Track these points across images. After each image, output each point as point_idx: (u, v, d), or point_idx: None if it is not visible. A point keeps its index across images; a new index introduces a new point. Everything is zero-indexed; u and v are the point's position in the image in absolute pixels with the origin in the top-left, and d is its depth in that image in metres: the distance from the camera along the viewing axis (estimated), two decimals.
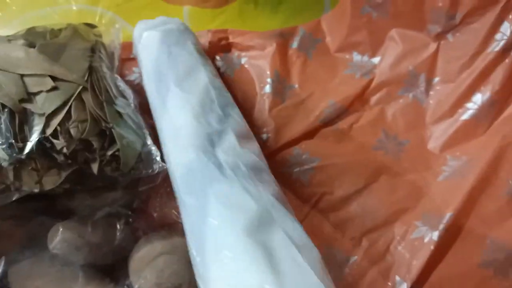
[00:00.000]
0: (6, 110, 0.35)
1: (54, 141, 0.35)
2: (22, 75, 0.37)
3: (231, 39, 0.49)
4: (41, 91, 0.37)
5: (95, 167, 0.37)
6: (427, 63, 0.44)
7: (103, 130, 0.37)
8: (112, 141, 0.38)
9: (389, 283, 0.38)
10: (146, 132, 0.40)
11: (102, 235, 0.35)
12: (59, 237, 0.34)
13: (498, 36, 0.41)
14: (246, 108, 0.46)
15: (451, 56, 0.43)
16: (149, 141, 0.40)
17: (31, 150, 0.35)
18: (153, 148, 0.39)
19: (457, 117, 0.43)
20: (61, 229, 0.35)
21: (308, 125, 0.44)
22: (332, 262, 0.38)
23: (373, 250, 0.39)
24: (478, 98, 0.42)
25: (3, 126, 0.35)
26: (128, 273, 0.35)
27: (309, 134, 0.44)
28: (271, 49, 0.48)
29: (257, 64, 0.48)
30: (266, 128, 0.44)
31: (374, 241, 0.39)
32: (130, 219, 0.37)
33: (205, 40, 0.49)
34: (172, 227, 0.38)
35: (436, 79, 0.44)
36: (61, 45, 0.40)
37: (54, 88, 0.37)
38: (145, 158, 0.40)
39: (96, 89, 0.39)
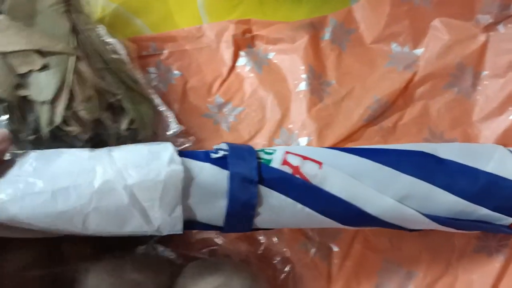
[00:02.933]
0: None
1: (68, 129, 0.34)
2: (3, 55, 0.34)
3: (255, 31, 0.47)
4: (30, 71, 0.34)
5: (112, 144, 0.35)
6: (474, 56, 0.43)
7: (110, 103, 0.36)
8: (122, 112, 0.37)
9: None
10: (152, 91, 0.39)
11: (143, 271, 0.31)
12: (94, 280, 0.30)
13: None
14: (281, 109, 0.45)
15: (501, 49, 0.43)
16: (158, 102, 0.39)
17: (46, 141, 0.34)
18: (164, 109, 0.39)
19: (507, 115, 0.42)
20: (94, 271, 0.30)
21: (352, 125, 0.43)
22: None
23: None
24: None
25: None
26: None
27: (354, 135, 0.43)
28: (302, 42, 0.46)
29: (288, 58, 0.46)
30: (307, 130, 0.42)
31: None
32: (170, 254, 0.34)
33: (228, 33, 0.47)
34: (215, 253, 0.34)
35: (484, 73, 0.43)
36: (28, 1, 0.36)
37: (44, 66, 0.34)
38: (158, 121, 0.40)
39: (89, 55, 0.36)
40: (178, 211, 0.30)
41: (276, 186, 0.32)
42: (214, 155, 0.32)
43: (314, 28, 0.46)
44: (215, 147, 0.33)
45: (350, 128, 0.42)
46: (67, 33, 0.36)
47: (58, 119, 0.34)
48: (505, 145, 0.41)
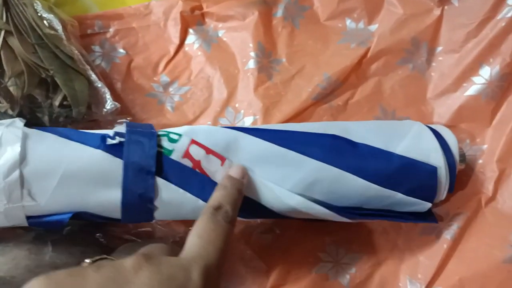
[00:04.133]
0: None
1: None
2: None
3: (205, 8, 0.46)
4: None
5: (46, 120, 0.37)
6: (429, 31, 0.43)
7: (44, 79, 0.36)
8: (56, 88, 0.37)
9: (400, 284, 0.36)
10: (88, 67, 0.39)
11: (67, 253, 0.30)
12: (11, 263, 0.29)
13: (510, 0, 0.39)
14: (227, 88, 0.44)
15: (456, 23, 0.42)
16: (94, 77, 0.39)
17: None
18: (100, 85, 0.39)
19: (462, 92, 0.41)
20: (12, 253, 0.30)
21: (300, 104, 0.42)
22: None
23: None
24: (486, 71, 0.40)
25: None
26: None
27: (302, 114, 0.43)
28: (252, 19, 0.45)
29: (237, 36, 0.46)
30: (253, 109, 0.41)
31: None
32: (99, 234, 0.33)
33: (176, 10, 0.46)
34: (150, 235, 0.33)
35: (439, 48, 0.43)
36: None
37: None
38: (94, 98, 0.39)
39: (22, 30, 0.36)
40: (15, 175, 0.29)
41: (176, 179, 0.31)
42: (110, 141, 0.30)
43: (266, 5, 0.45)
44: (113, 131, 0.31)
45: (298, 107, 0.42)
46: None
47: None
48: (459, 122, 0.40)
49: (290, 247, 0.38)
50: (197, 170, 0.31)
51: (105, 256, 0.31)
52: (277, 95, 0.43)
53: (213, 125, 0.42)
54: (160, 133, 0.32)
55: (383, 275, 0.37)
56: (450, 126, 0.40)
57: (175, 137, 0.32)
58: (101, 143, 0.30)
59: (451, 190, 0.34)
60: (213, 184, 0.31)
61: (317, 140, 0.33)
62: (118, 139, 0.30)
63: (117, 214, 0.31)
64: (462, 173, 0.36)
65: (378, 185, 0.32)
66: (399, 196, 0.32)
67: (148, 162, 0.30)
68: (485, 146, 0.39)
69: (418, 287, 0.36)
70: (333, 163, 0.32)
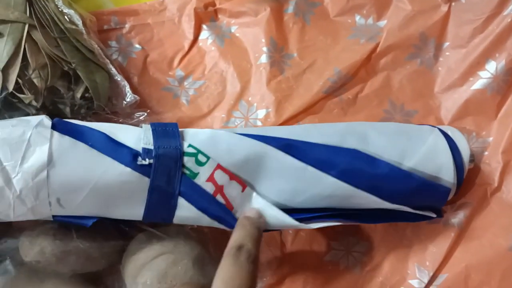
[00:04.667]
0: None
1: (21, 96, 0.35)
2: None
3: (218, 5, 0.48)
4: None
5: (67, 112, 0.38)
6: (437, 27, 0.44)
7: (66, 71, 0.37)
8: (78, 80, 0.38)
9: (408, 271, 0.38)
10: (107, 61, 0.40)
11: (90, 240, 0.32)
12: (37, 248, 0.31)
13: None
14: (241, 82, 0.45)
15: (463, 19, 0.43)
16: (114, 71, 0.40)
17: None
18: (120, 79, 0.40)
19: (468, 86, 0.42)
20: (38, 238, 0.31)
21: (311, 97, 0.44)
22: None
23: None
24: (492, 66, 0.41)
25: None
26: (121, 278, 0.32)
27: (313, 107, 0.44)
28: (264, 15, 0.47)
29: (250, 32, 0.47)
30: (266, 102, 0.42)
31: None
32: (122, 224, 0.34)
33: (190, 6, 0.47)
34: (164, 226, 0.35)
35: (446, 44, 0.44)
36: None
37: None
38: (114, 91, 0.40)
39: (44, 24, 0.37)
40: (43, 176, 0.30)
41: (196, 202, 0.32)
42: (140, 161, 0.31)
43: (278, 1, 0.47)
44: (143, 142, 0.31)
45: (309, 100, 0.43)
46: (22, 1, 0.37)
47: (10, 86, 0.35)
48: (466, 115, 0.41)
49: (301, 235, 0.40)
50: (218, 195, 0.32)
51: None
52: (289, 88, 0.44)
53: (227, 119, 0.44)
54: (187, 151, 0.32)
55: (392, 262, 0.39)
56: (457, 119, 0.42)
57: (202, 159, 0.32)
58: (131, 161, 0.31)
59: (457, 192, 0.36)
60: (231, 214, 0.32)
61: (337, 157, 0.33)
62: (148, 161, 0.31)
63: (136, 218, 0.33)
64: (470, 167, 0.38)
65: (391, 202, 0.33)
66: (408, 209, 0.34)
67: (172, 187, 0.31)
68: (491, 139, 0.40)
69: (426, 274, 0.37)
70: (349, 182, 0.33)
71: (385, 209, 0.34)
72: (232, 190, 0.32)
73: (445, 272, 0.38)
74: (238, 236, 0.29)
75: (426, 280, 0.37)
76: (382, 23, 0.45)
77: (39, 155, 0.30)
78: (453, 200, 0.39)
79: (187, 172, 0.32)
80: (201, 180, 0.32)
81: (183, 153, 0.32)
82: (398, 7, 0.44)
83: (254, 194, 0.33)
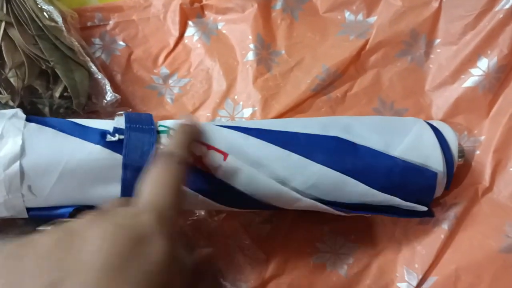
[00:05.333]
0: None
1: None
2: None
3: (204, 1, 0.48)
4: None
5: (46, 112, 0.37)
6: (428, 23, 0.43)
7: (44, 70, 0.37)
8: (56, 79, 0.37)
9: (397, 274, 0.37)
10: (88, 59, 0.40)
11: None
12: None
13: None
14: (227, 80, 0.44)
15: (454, 15, 0.42)
16: (94, 69, 0.39)
17: None
18: (100, 77, 0.39)
19: (459, 84, 0.41)
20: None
21: (299, 96, 0.43)
22: None
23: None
24: (484, 63, 0.40)
25: None
26: None
27: (301, 106, 0.43)
28: (251, 11, 0.46)
29: (236, 28, 0.46)
30: (252, 100, 0.42)
31: None
32: None
33: (176, 2, 0.47)
34: None
35: (437, 40, 0.43)
36: None
37: None
38: (95, 89, 0.40)
39: (22, 21, 0.37)
40: (15, 167, 0.29)
41: None
42: (110, 138, 0.30)
43: None
44: (114, 125, 0.31)
45: (297, 98, 0.42)
46: None
47: None
48: (457, 114, 0.41)
49: (288, 237, 0.39)
50: (198, 166, 0.31)
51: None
52: (276, 86, 0.43)
53: (212, 117, 0.43)
54: (160, 128, 0.32)
55: (380, 265, 0.38)
56: (448, 117, 0.41)
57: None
58: (100, 139, 0.30)
59: (448, 187, 0.35)
60: (215, 181, 0.31)
61: (320, 143, 0.33)
62: (117, 137, 0.30)
63: None
64: (459, 164, 0.37)
65: (378, 190, 0.33)
66: (397, 200, 0.33)
67: (147, 161, 0.30)
68: (483, 138, 0.40)
69: (415, 276, 0.37)
70: (334, 167, 0.32)
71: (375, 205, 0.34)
72: (213, 160, 0.31)
73: (434, 275, 0.37)
74: (170, 146, 0.29)
75: (415, 283, 0.36)
76: (372, 19, 0.44)
77: (11, 146, 0.29)
78: (444, 200, 0.38)
79: (161, 147, 0.31)
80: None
81: (157, 130, 0.32)
82: (389, 3, 0.43)
83: (240, 162, 0.32)
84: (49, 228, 0.23)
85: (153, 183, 0.25)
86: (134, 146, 0.30)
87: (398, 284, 0.37)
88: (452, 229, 0.37)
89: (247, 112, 0.42)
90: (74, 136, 0.31)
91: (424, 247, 0.37)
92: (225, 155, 0.32)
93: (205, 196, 0.32)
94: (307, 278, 0.38)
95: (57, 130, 0.31)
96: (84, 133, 0.31)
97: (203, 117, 0.43)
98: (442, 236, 0.37)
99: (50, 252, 0.20)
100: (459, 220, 0.37)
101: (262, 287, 0.37)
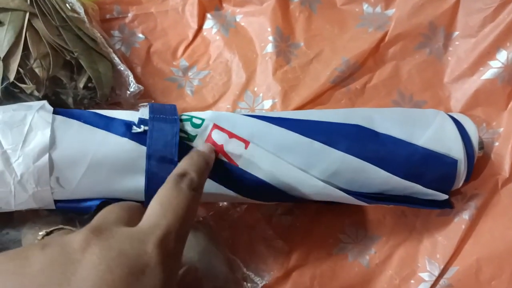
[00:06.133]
0: None
1: (23, 86, 0.35)
2: None
3: None
4: None
5: (70, 102, 0.37)
6: (446, 15, 0.43)
7: (68, 61, 0.37)
8: (80, 70, 0.37)
9: (418, 264, 0.38)
10: (110, 50, 0.40)
11: None
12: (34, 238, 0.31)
13: None
14: (246, 72, 0.44)
15: (472, 8, 0.42)
16: (117, 60, 0.39)
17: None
18: (123, 68, 0.39)
19: (478, 76, 0.41)
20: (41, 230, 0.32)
21: (318, 88, 0.43)
22: None
23: None
24: (503, 56, 0.40)
25: None
26: None
27: (321, 98, 0.43)
28: (269, 4, 0.46)
29: (255, 21, 0.46)
30: (272, 92, 0.42)
31: None
32: None
33: None
34: None
35: (456, 33, 0.43)
36: None
37: None
38: (117, 80, 0.40)
39: (46, 12, 0.37)
40: (44, 159, 0.29)
41: None
42: (135, 129, 0.31)
43: None
44: (139, 116, 0.31)
45: (316, 90, 0.42)
46: None
47: (11, 76, 0.34)
48: (476, 106, 0.41)
49: (310, 228, 0.39)
50: (220, 155, 0.32)
51: (61, 226, 0.31)
52: (296, 79, 0.43)
53: (232, 109, 0.43)
54: (183, 117, 0.33)
55: (402, 255, 0.38)
56: (467, 110, 0.41)
57: (197, 121, 0.32)
58: (126, 131, 0.31)
59: (468, 178, 0.35)
60: (237, 171, 0.32)
61: (341, 131, 0.33)
62: (142, 128, 0.31)
63: (142, 198, 0.32)
64: (479, 156, 0.37)
65: (399, 176, 0.33)
66: (418, 187, 0.33)
67: (170, 151, 0.30)
68: (501, 129, 0.40)
69: (437, 266, 0.37)
70: (356, 154, 0.32)
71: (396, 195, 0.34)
72: (234, 148, 0.31)
73: (455, 265, 0.37)
74: (183, 164, 0.28)
75: (436, 273, 0.37)
76: (391, 11, 0.44)
77: (40, 138, 0.29)
78: (464, 191, 0.38)
79: (184, 135, 0.31)
80: (200, 142, 0.32)
81: (180, 120, 0.32)
82: None
83: (262, 150, 0.32)
84: (43, 239, 0.22)
85: (163, 206, 0.24)
86: (157, 136, 0.30)
87: (420, 274, 0.37)
88: (473, 220, 0.37)
89: (267, 104, 0.43)
90: (100, 128, 0.31)
91: (445, 238, 0.38)
92: (246, 143, 0.32)
93: (226, 186, 0.32)
94: (329, 268, 0.38)
95: (83, 122, 0.31)
96: (110, 125, 0.31)
97: (223, 109, 0.43)
98: (463, 227, 0.37)
99: (43, 274, 0.19)
100: (479, 211, 0.38)
101: (285, 277, 0.38)
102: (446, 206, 0.35)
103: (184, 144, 0.31)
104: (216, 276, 0.35)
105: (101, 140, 0.30)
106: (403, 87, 0.43)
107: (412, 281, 0.37)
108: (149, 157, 0.30)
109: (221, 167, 0.32)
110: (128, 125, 0.31)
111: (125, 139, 0.30)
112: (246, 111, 0.43)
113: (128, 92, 0.39)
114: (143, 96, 0.41)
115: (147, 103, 0.40)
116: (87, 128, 0.31)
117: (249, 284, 0.36)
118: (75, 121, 0.31)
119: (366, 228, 0.39)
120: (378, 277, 0.38)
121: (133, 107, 0.40)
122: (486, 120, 0.40)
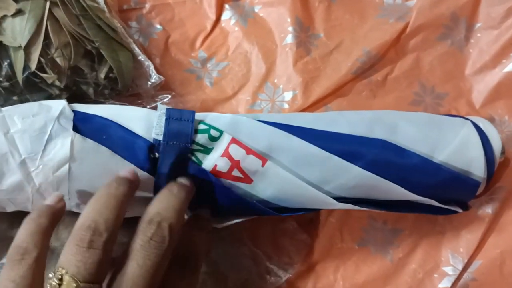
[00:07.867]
0: None
1: (44, 75, 0.34)
2: None
3: None
4: (4, 16, 0.34)
5: (91, 93, 0.37)
6: (468, 6, 0.43)
7: (89, 51, 0.36)
8: (101, 60, 0.37)
9: (442, 258, 0.37)
10: (131, 40, 0.39)
11: None
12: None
13: None
14: (266, 63, 0.44)
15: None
16: (137, 51, 0.39)
17: (20, 89, 0.34)
18: (143, 59, 0.39)
19: (500, 69, 0.41)
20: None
21: (339, 79, 0.42)
22: None
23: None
24: None
25: None
26: None
27: (342, 89, 0.43)
28: None
29: (274, 11, 0.46)
30: (292, 84, 0.41)
31: None
32: None
33: None
34: None
35: (478, 25, 0.43)
36: None
37: (19, 11, 0.34)
38: (138, 71, 0.39)
39: (66, 1, 0.36)
40: (64, 170, 0.28)
41: (207, 189, 0.31)
42: (153, 156, 0.30)
43: None
44: (154, 136, 0.30)
45: (338, 82, 0.42)
46: None
47: (33, 65, 0.34)
48: (498, 98, 0.40)
49: (332, 222, 0.39)
50: (235, 170, 0.31)
51: None
52: (316, 70, 0.43)
53: (252, 101, 0.42)
54: (200, 127, 0.31)
55: (425, 249, 0.38)
56: (489, 102, 0.40)
57: (215, 134, 0.31)
58: (146, 159, 0.29)
59: (487, 185, 0.35)
60: (243, 200, 0.31)
61: (364, 147, 0.32)
62: (157, 155, 0.30)
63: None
64: (500, 160, 0.36)
65: (418, 194, 0.32)
66: (435, 203, 0.33)
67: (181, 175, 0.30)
68: None
69: (460, 260, 0.36)
70: (376, 172, 0.31)
71: (410, 201, 0.33)
72: (251, 165, 0.30)
73: (479, 259, 0.37)
74: (154, 205, 0.27)
75: (460, 267, 0.36)
76: (411, 2, 0.43)
77: (60, 148, 0.28)
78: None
79: (200, 148, 0.30)
80: (216, 155, 0.30)
81: (195, 131, 0.30)
82: None
83: (279, 168, 0.31)
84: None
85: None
86: (167, 162, 0.29)
87: (444, 268, 0.37)
88: (496, 213, 0.37)
89: (288, 95, 0.42)
90: (127, 159, 0.30)
91: (468, 231, 0.37)
92: (264, 160, 0.31)
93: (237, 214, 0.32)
94: (352, 262, 0.38)
95: (112, 151, 0.29)
96: (133, 153, 0.30)
97: (243, 101, 0.43)
98: (487, 220, 0.37)
99: None
100: (503, 204, 0.37)
101: (308, 270, 0.37)
102: (461, 210, 0.35)
103: (193, 167, 0.30)
104: (240, 269, 0.35)
105: (121, 166, 0.29)
106: (425, 78, 0.42)
107: (435, 275, 0.37)
108: (158, 176, 0.30)
109: (226, 194, 0.31)
110: (149, 147, 0.30)
111: (146, 174, 0.29)
112: (266, 102, 0.42)
113: (149, 83, 0.38)
114: (162, 87, 0.40)
115: (167, 95, 0.40)
116: (116, 158, 0.29)
117: (272, 278, 0.36)
118: (104, 148, 0.29)
119: (389, 222, 0.39)
120: (401, 271, 0.37)
121: (153, 98, 0.39)
122: (508, 113, 0.40)
